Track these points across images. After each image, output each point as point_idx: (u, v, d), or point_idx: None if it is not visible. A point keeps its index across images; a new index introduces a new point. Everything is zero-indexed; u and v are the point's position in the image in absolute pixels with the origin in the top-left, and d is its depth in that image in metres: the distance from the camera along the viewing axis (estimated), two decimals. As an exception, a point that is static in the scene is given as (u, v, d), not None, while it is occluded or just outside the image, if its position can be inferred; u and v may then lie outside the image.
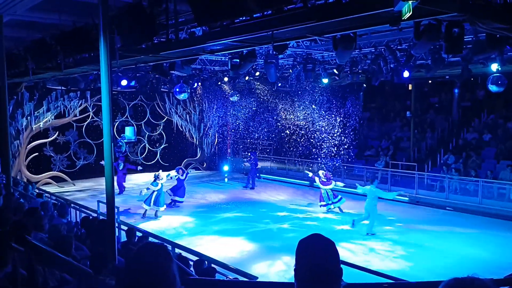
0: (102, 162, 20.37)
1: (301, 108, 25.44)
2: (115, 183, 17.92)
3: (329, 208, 15.81)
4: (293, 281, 1.78)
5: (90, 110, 21.90)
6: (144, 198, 15.30)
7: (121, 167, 19.08)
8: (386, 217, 15.04)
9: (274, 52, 10.62)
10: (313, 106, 23.19)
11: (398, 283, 5.28)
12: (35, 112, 20.00)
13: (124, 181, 19.47)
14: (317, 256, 1.73)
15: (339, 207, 15.84)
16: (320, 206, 15.96)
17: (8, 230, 4.39)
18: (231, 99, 22.62)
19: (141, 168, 19.72)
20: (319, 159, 22.08)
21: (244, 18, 6.91)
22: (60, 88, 18.93)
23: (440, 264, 10.70)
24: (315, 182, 16.52)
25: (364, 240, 12.60)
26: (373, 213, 13.14)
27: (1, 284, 3.48)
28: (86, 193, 19.18)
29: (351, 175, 20.16)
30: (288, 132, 25.31)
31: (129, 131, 22.32)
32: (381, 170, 19.39)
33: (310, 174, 16.96)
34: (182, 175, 16.58)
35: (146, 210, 15.11)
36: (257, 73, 17.23)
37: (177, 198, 16.70)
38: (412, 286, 4.65)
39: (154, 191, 15.04)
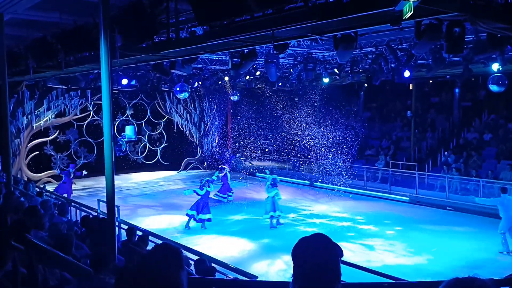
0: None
1: (302, 107, 25.43)
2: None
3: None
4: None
5: (91, 109, 21.92)
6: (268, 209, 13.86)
7: (71, 176, 17.15)
8: (387, 217, 15.05)
9: (275, 52, 10.60)
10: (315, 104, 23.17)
11: (399, 283, 5.28)
12: (36, 111, 20.01)
13: (72, 192, 17.06)
14: (315, 255, 1.72)
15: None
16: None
17: (8, 229, 4.39)
18: (231, 98, 22.60)
19: (85, 173, 17.75)
20: (320, 158, 22.07)
21: (244, 17, 6.90)
22: (60, 87, 18.94)
23: (440, 263, 10.70)
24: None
25: (364, 239, 12.60)
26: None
27: (1, 282, 3.48)
28: (86, 192, 19.19)
29: (351, 175, 20.13)
30: (289, 132, 25.31)
31: (129, 130, 22.35)
32: (382, 169, 19.39)
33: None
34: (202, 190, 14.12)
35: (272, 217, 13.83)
36: (258, 73, 17.21)
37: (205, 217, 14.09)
38: (412, 286, 4.65)
39: (271, 197, 13.66)
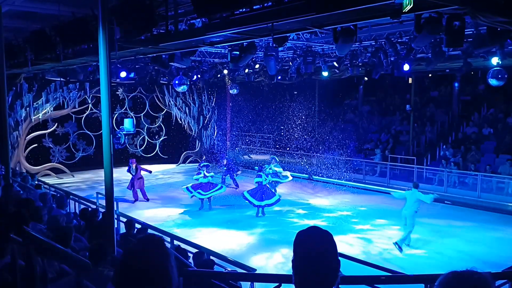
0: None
1: (301, 101, 25.37)
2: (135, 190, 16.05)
3: None
4: (291, 273, 1.78)
5: (89, 101, 21.88)
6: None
7: (133, 172, 16.37)
8: (385, 210, 15.08)
9: (274, 45, 10.57)
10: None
11: (396, 276, 5.30)
12: (34, 103, 19.96)
13: (141, 186, 16.49)
14: (314, 248, 1.73)
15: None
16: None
17: (7, 221, 4.39)
18: (230, 91, 22.56)
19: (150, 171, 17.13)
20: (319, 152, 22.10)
21: (244, 9, 6.88)
22: (59, 79, 18.88)
23: (438, 257, 10.75)
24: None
25: (362, 233, 12.64)
26: (412, 221, 11.26)
27: (0, 275, 3.48)
28: (85, 184, 19.21)
29: (350, 169, 20.15)
30: (288, 125, 25.30)
31: (128, 123, 22.31)
32: (380, 163, 19.40)
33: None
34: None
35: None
36: (257, 66, 17.16)
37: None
38: (409, 279, 4.67)
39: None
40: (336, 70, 16.12)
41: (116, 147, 19.84)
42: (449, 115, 21.48)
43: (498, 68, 12.52)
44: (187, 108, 24.93)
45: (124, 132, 21.27)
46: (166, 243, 1.82)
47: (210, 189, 15.14)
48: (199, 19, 8.99)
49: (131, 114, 23.60)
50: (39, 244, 3.63)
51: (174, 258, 1.71)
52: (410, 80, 21.78)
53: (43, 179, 17.66)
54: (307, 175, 21.00)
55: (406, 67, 13.76)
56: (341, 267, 1.76)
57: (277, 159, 16.75)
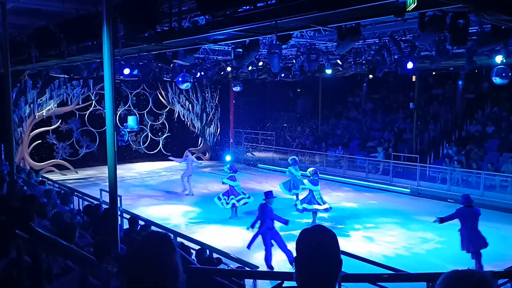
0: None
1: (304, 99, 25.35)
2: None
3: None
4: (293, 271, 1.80)
5: (93, 98, 21.95)
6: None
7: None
8: (388, 209, 15.08)
9: (278, 42, 10.56)
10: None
11: (399, 274, 5.32)
12: (38, 100, 20.04)
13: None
14: (317, 246, 1.75)
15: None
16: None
17: (12, 217, 4.42)
18: (233, 89, 22.57)
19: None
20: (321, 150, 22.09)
21: (247, 7, 6.88)
22: (63, 76, 18.95)
23: (441, 256, 10.75)
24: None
25: (365, 231, 12.64)
26: None
27: (5, 270, 3.51)
28: (89, 181, 19.28)
29: (352, 167, 20.16)
30: (291, 123, 25.30)
31: (131, 120, 22.36)
32: (383, 161, 19.37)
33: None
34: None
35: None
36: (260, 63, 17.14)
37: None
38: (412, 277, 4.68)
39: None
40: (339, 67, 16.10)
41: (119, 144, 19.87)
42: (452, 113, 21.43)
43: (502, 66, 12.46)
44: (190, 105, 24.95)
45: (127, 129, 21.32)
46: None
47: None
48: (202, 17, 9.00)
49: (135, 111, 23.64)
50: (44, 240, 3.67)
51: (180, 256, 1.73)
52: (413, 78, 21.74)
53: (46, 175, 17.73)
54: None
55: (409, 65, 13.71)
56: (343, 265, 1.78)
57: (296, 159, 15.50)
